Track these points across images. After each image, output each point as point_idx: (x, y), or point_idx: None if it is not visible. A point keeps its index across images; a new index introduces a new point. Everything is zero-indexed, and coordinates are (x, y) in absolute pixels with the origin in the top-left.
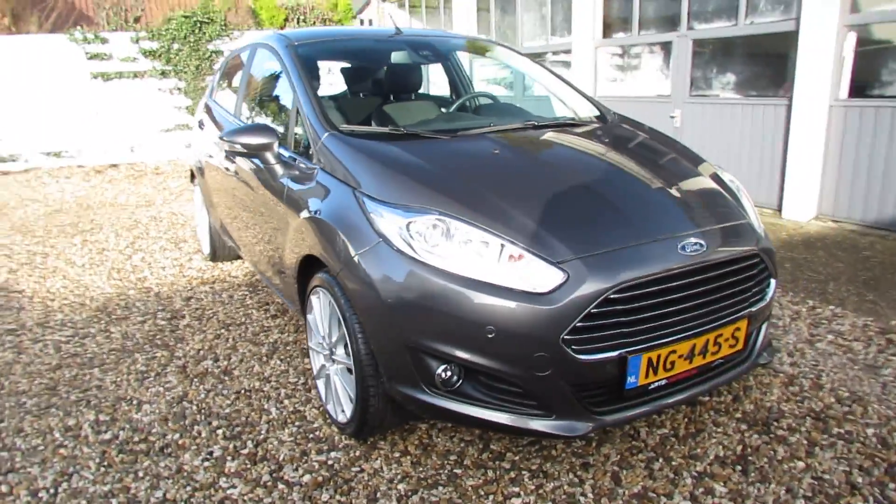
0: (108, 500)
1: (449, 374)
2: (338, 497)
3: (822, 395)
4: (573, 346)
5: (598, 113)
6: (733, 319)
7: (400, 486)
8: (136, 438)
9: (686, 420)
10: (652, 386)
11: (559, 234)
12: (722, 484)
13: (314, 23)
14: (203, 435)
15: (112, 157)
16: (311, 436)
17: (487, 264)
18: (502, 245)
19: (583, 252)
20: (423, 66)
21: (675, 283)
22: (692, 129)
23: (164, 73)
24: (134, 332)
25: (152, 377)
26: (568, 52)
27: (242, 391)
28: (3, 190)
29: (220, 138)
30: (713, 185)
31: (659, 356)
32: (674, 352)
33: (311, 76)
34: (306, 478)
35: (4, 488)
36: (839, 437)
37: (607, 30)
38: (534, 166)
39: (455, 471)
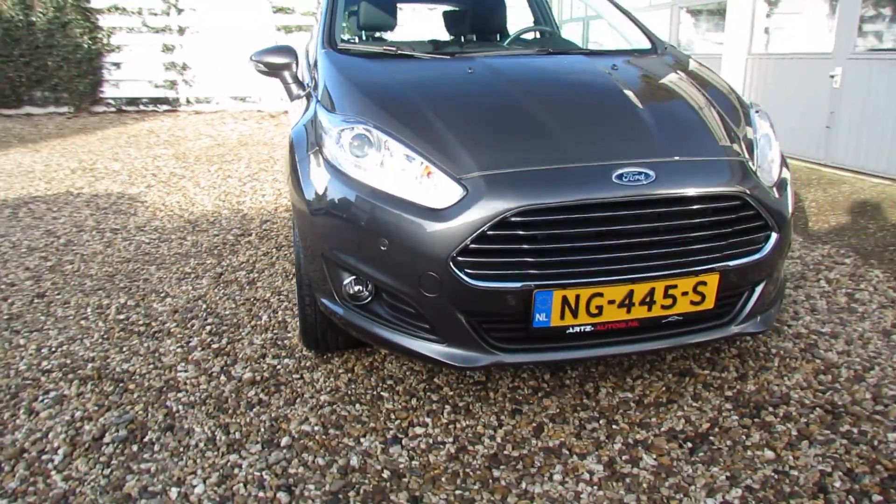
0: (85, 364)
1: (358, 287)
2: (261, 395)
3: (855, 389)
4: (466, 270)
5: (647, 46)
6: (696, 271)
7: (322, 397)
8: (141, 322)
9: (663, 388)
10: (571, 330)
11: (476, 151)
12: (654, 457)
13: None
14: (193, 328)
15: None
16: (279, 343)
17: (406, 179)
18: (422, 161)
19: (490, 169)
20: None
21: (601, 215)
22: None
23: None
24: (203, 242)
25: (191, 278)
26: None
27: (252, 299)
28: (189, 126)
29: (250, 58)
30: (710, 117)
31: (578, 296)
32: (600, 294)
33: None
34: (247, 375)
35: (22, 341)
36: (845, 435)
37: None
38: (496, 86)
39: (382, 393)
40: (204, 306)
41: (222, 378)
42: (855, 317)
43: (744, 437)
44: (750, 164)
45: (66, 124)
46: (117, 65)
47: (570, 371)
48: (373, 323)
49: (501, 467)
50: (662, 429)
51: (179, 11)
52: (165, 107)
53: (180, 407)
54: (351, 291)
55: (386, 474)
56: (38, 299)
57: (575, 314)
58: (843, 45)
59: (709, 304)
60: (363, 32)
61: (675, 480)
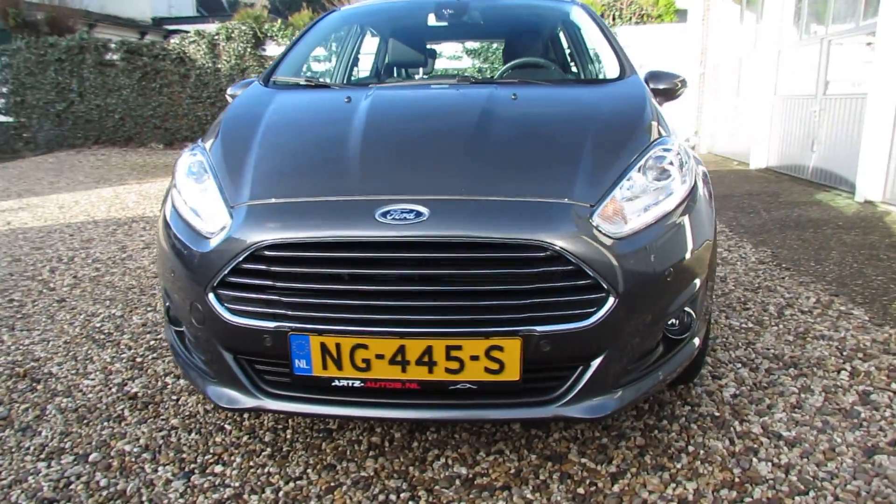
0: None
1: (173, 313)
2: (125, 411)
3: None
4: (226, 304)
5: (616, 74)
6: (484, 333)
7: (173, 421)
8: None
9: (511, 470)
10: (338, 383)
11: (262, 181)
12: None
13: (630, 18)
14: None
15: None
16: None
17: (208, 206)
18: (215, 188)
19: (258, 198)
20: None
21: (359, 255)
22: None
23: None
24: None
25: None
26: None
27: None
28: None
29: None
30: (566, 155)
31: (339, 345)
32: (364, 346)
33: (310, 37)
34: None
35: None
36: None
37: None
38: (353, 118)
39: (225, 425)
40: None
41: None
42: (839, 418)
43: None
44: (587, 209)
45: None
46: None
47: (430, 432)
48: (184, 350)
49: None
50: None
51: None
52: None
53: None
54: (171, 316)
55: (139, 502)
56: None
57: (339, 365)
58: None
59: (511, 374)
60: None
61: None
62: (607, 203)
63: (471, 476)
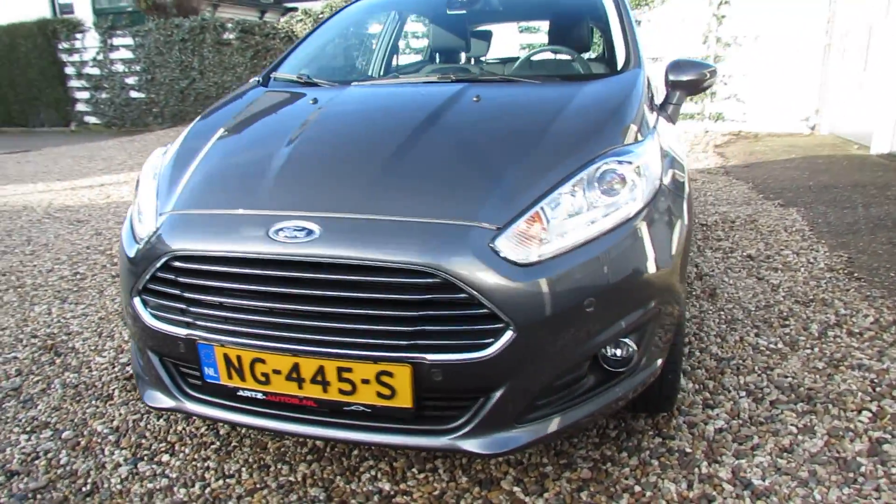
0: None
1: None
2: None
3: None
4: (149, 308)
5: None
6: (373, 357)
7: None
8: None
9: (436, 493)
10: (242, 393)
11: (195, 188)
12: None
13: None
14: None
15: None
16: None
17: (146, 209)
18: (157, 193)
19: (181, 208)
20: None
21: (253, 272)
22: None
23: None
24: None
25: None
26: None
27: None
28: None
29: None
30: (492, 169)
31: (240, 357)
32: (262, 361)
33: (328, 29)
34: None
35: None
36: None
37: None
38: (292, 123)
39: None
40: None
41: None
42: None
43: None
44: (490, 233)
45: None
46: None
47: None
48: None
49: None
50: None
51: None
52: None
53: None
54: None
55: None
56: None
57: (242, 377)
58: None
59: (403, 401)
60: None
61: None
62: (519, 225)
63: (392, 493)
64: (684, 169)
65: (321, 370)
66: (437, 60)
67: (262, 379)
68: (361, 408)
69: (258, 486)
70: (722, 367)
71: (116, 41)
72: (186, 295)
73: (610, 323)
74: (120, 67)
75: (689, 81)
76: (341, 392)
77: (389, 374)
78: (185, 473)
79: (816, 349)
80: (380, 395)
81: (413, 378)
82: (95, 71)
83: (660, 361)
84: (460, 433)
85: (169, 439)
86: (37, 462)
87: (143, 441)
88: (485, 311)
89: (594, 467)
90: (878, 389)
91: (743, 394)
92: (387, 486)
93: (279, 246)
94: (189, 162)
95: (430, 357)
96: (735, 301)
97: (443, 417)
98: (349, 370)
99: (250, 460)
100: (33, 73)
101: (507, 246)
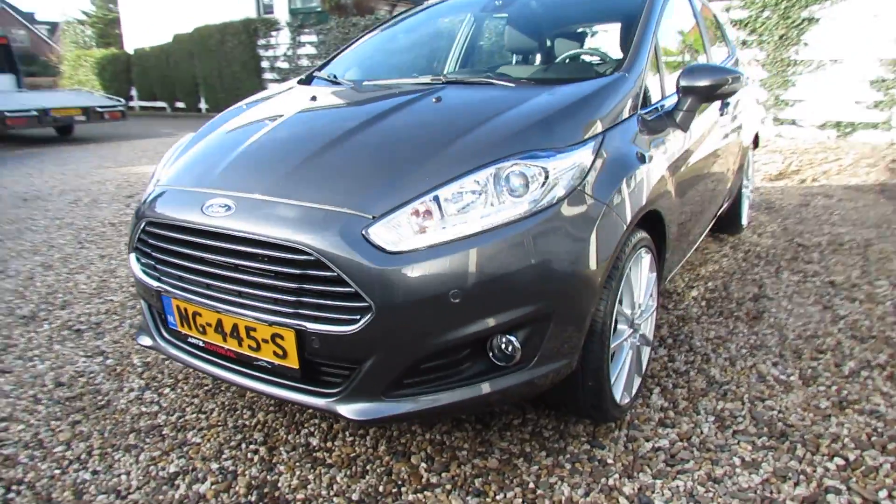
0: None
1: None
2: None
3: None
4: (141, 260)
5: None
6: (268, 321)
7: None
8: None
9: (355, 453)
10: (191, 340)
11: (183, 167)
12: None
13: None
14: None
15: None
16: None
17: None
18: (163, 165)
19: (162, 181)
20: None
21: (191, 239)
22: None
23: (744, 43)
24: None
25: None
26: None
27: None
28: None
29: None
30: (407, 167)
31: (186, 310)
32: (199, 314)
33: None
34: None
35: None
36: None
37: None
38: (277, 115)
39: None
40: None
41: None
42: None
43: None
44: (366, 221)
45: None
46: None
47: None
48: None
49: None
50: (251, 474)
51: None
52: None
53: None
54: None
55: (101, 399)
56: None
57: (189, 326)
58: None
59: (291, 362)
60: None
61: None
62: (395, 217)
63: (316, 448)
64: (665, 180)
65: (235, 327)
66: (456, 65)
67: (201, 330)
68: (265, 363)
69: (219, 423)
70: (709, 390)
71: (303, 38)
72: (154, 254)
73: (479, 317)
74: (305, 62)
75: (704, 87)
76: (250, 348)
77: (281, 337)
78: (173, 405)
79: (834, 388)
80: (276, 353)
81: (297, 342)
82: (285, 65)
83: (557, 365)
84: (337, 398)
85: (178, 377)
86: (80, 378)
87: (159, 376)
88: (351, 290)
89: (506, 460)
90: (873, 439)
91: (711, 419)
92: (315, 442)
93: (205, 218)
94: (193, 144)
95: (310, 326)
96: (778, 327)
97: (326, 382)
98: (254, 329)
99: (226, 403)
100: (237, 66)
101: (380, 234)
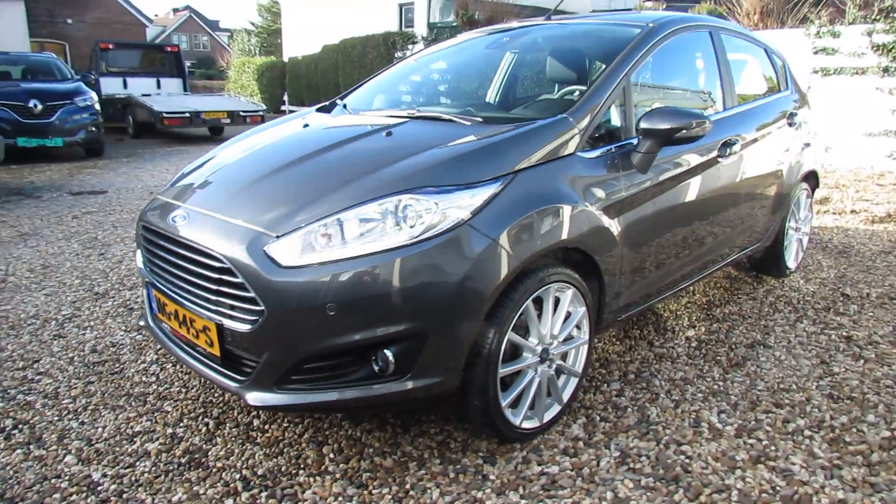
0: None
1: None
2: None
3: None
4: (142, 256)
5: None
6: (202, 315)
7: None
8: None
9: (281, 433)
10: (164, 325)
11: (183, 180)
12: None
13: None
14: None
15: None
16: None
17: None
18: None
19: (162, 192)
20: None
21: (161, 242)
22: None
23: (886, 70)
24: None
25: None
26: None
27: None
28: None
29: None
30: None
31: (158, 300)
32: (166, 305)
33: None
34: None
35: None
36: None
37: None
38: (271, 139)
39: None
40: None
41: None
42: None
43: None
44: (269, 238)
45: None
46: None
47: None
48: None
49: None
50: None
51: None
52: None
53: None
54: None
55: (118, 367)
56: None
57: (162, 313)
58: None
59: (216, 350)
60: None
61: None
62: (293, 236)
63: (254, 428)
64: (603, 223)
65: (185, 317)
66: (440, 99)
67: (168, 317)
68: (201, 349)
69: (192, 398)
70: (634, 427)
71: None
72: (146, 252)
73: (353, 329)
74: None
75: (664, 130)
76: (193, 335)
77: (209, 329)
78: (172, 378)
79: (764, 443)
80: (206, 342)
81: (218, 334)
82: None
83: (434, 380)
84: (244, 385)
85: None
86: (111, 348)
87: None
88: (251, 295)
89: (403, 461)
90: (762, 496)
91: (616, 455)
92: (257, 423)
93: (169, 225)
94: (197, 162)
95: (226, 322)
96: (753, 376)
97: (241, 370)
98: (194, 321)
99: (206, 382)
100: None
101: (278, 250)
